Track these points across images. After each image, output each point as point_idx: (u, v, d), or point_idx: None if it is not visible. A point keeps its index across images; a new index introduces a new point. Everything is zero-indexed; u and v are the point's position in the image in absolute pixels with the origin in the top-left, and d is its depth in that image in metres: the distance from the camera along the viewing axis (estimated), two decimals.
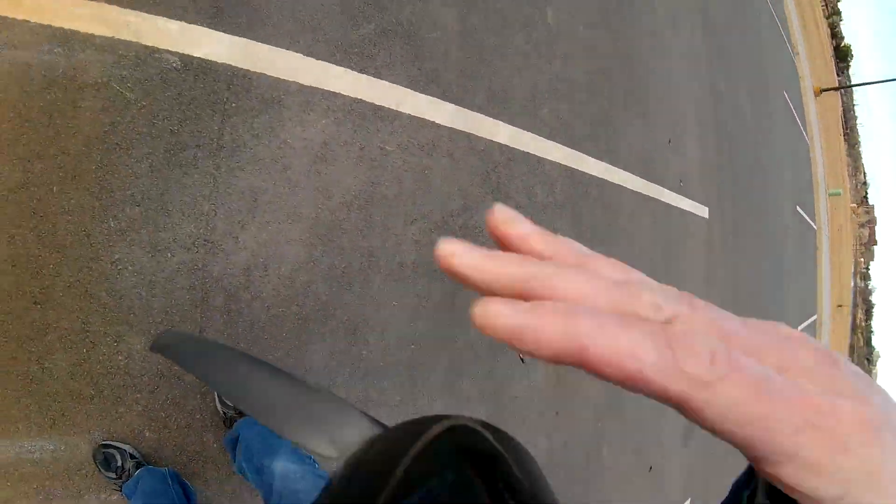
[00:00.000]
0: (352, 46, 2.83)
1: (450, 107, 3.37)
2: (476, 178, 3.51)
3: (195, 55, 2.28)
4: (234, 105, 2.35)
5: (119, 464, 1.98)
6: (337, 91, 2.70)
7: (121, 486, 1.99)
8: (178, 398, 2.16)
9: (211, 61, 2.32)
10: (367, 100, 2.84)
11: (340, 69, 2.75)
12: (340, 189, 2.69)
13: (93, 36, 2.05)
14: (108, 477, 2.00)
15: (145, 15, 2.18)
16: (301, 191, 2.53)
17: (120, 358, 2.07)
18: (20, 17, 1.93)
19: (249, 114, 2.38)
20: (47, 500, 1.92)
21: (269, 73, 2.47)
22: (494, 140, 3.73)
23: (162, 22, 2.22)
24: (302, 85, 2.57)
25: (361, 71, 2.84)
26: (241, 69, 2.40)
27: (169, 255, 2.16)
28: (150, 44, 2.20)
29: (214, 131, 2.28)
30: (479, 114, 3.62)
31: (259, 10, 2.46)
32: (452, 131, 3.37)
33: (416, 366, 3.03)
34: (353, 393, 2.70)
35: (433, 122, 3.24)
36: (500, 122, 3.79)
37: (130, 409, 2.06)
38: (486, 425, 0.45)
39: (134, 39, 2.17)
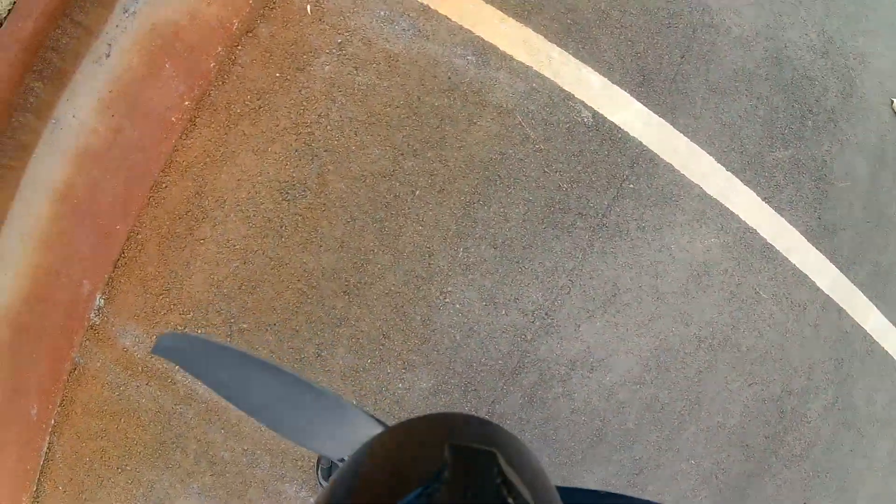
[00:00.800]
0: (763, 168, 2.34)
1: (834, 272, 2.66)
2: (830, 363, 2.69)
3: (610, 118, 2.02)
4: (631, 186, 2.02)
5: None
6: (735, 212, 2.22)
7: None
8: None
9: (624, 131, 2.03)
10: (762, 233, 2.30)
11: (745, 189, 2.27)
12: (700, 320, 2.16)
13: (512, 58, 1.90)
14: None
15: (570, 56, 1.97)
16: (663, 305, 2.07)
17: (399, 385, 1.82)
18: (442, 11, 1.84)
19: (644, 202, 2.03)
20: None
21: (676, 167, 2.10)
22: (862, 326, 2.87)
23: (585, 71, 2.00)
24: (705, 193, 2.14)
25: (765, 199, 2.33)
26: (651, 151, 2.07)
27: (503, 312, 1.87)
28: (567, 88, 1.98)
29: (602, 206, 1.97)
30: (857, 290, 2.82)
31: (685, 95, 2.13)
32: (827, 300, 2.63)
33: None
34: None
35: (813, 283, 2.55)
36: (874, 308, 2.92)
37: None
38: (481, 421, 0.46)
39: (552, 77, 1.97)
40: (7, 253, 2.11)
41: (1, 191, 2.13)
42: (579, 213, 1.94)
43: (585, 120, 1.97)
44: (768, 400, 2.42)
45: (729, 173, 2.20)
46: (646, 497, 2.13)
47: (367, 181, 1.78)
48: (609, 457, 2.07)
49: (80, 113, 2.10)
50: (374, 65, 1.83)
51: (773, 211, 2.36)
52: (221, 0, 1.93)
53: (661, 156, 2.04)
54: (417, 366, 1.79)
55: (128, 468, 2.07)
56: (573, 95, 1.95)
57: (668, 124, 2.06)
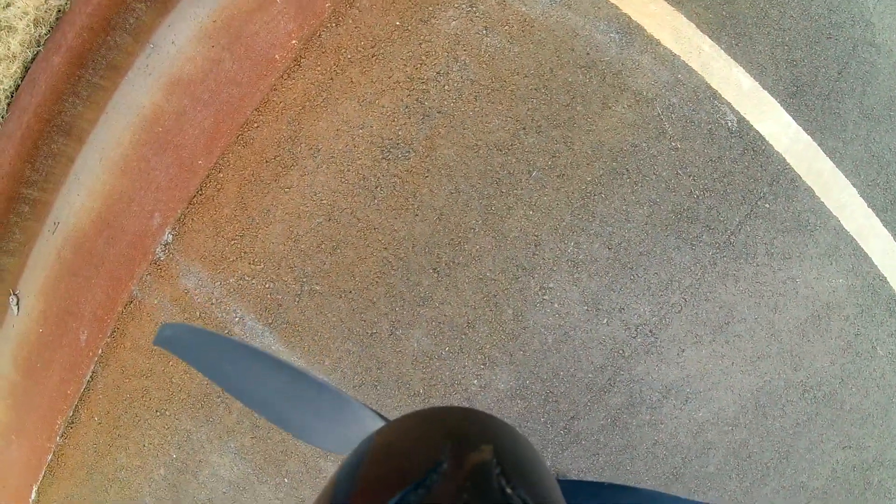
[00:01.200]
0: None
1: None
2: None
3: (756, 126, 1.77)
4: (766, 207, 1.78)
5: None
6: (870, 255, 1.95)
7: None
8: None
9: (768, 143, 1.79)
10: (892, 283, 2.03)
11: (884, 231, 2.00)
12: (811, 366, 1.91)
13: (658, 43, 1.67)
14: None
15: (721, 52, 1.73)
16: (776, 343, 1.82)
17: (474, 381, 1.63)
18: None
19: (777, 226, 1.78)
20: None
21: (817, 193, 1.85)
22: None
23: (736, 71, 1.76)
24: (841, 227, 1.89)
25: None
26: (793, 171, 1.82)
27: (605, 320, 1.66)
28: (714, 86, 1.74)
29: (733, 223, 1.73)
30: None
31: (837, 115, 1.87)
32: None
33: None
34: None
35: None
36: None
37: None
38: (480, 414, 0.45)
39: (700, 71, 1.74)
40: (84, 173, 1.99)
41: (88, 109, 2.01)
42: (707, 226, 1.71)
43: (730, 124, 1.74)
44: (858, 467, 2.15)
45: (870, 210, 1.93)
46: None
47: (481, 152, 1.59)
48: (679, 492, 1.85)
49: (179, 39, 1.96)
50: (507, 27, 1.64)
51: None
52: None
53: (804, 178, 1.80)
54: (499, 364, 1.60)
55: (167, 413, 1.94)
56: (720, 94, 1.72)
57: (815, 144, 1.81)
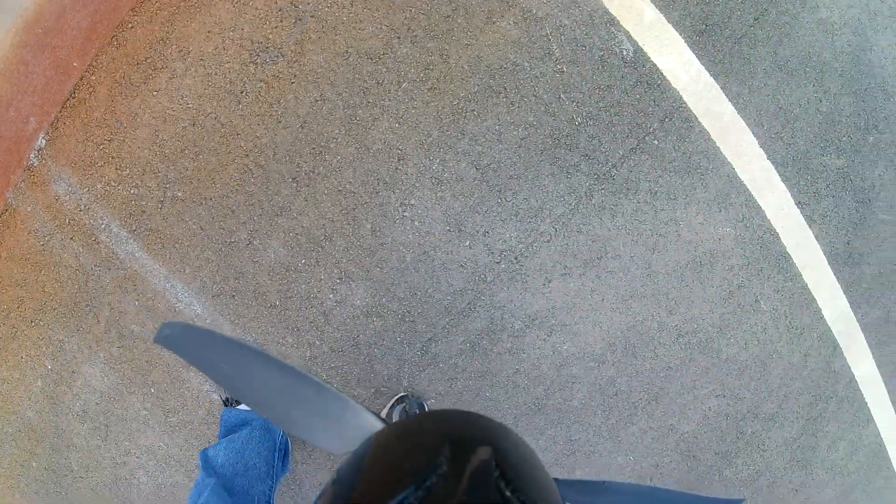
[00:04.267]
0: (807, 169, 1.93)
1: (843, 305, 2.25)
2: (807, 397, 2.32)
3: (653, 59, 1.61)
4: (655, 143, 1.62)
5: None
6: (763, 207, 1.82)
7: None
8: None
9: (665, 78, 1.63)
10: (783, 239, 1.90)
11: (781, 185, 1.86)
12: (688, 312, 1.79)
13: None
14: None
15: None
16: (651, 284, 1.69)
17: (330, 296, 1.49)
18: None
19: (665, 164, 1.64)
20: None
21: (713, 136, 1.70)
22: (852, 370, 2.48)
23: (640, 1, 1.60)
24: (736, 175, 1.74)
25: (798, 204, 1.92)
26: (689, 110, 1.67)
27: (467, 242, 1.51)
28: (613, 11, 1.58)
29: (616, 155, 1.58)
30: (860, 331, 2.42)
31: (746, 60, 1.71)
32: (826, 332, 2.24)
33: None
34: None
35: (818, 310, 2.15)
36: (870, 355, 2.53)
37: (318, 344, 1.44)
38: (479, 416, 0.45)
39: None
40: None
41: None
42: (586, 156, 1.55)
43: (625, 53, 1.57)
44: (731, 417, 2.06)
45: (769, 163, 1.79)
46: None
47: (350, 60, 1.41)
48: (543, 430, 1.74)
49: None
50: None
51: (804, 219, 1.95)
52: None
53: (700, 119, 1.64)
54: (355, 279, 1.46)
55: (41, 323, 1.78)
56: (618, 21, 1.55)
57: (717, 86, 1.65)
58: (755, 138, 1.78)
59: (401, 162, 1.43)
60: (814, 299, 2.11)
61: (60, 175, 1.68)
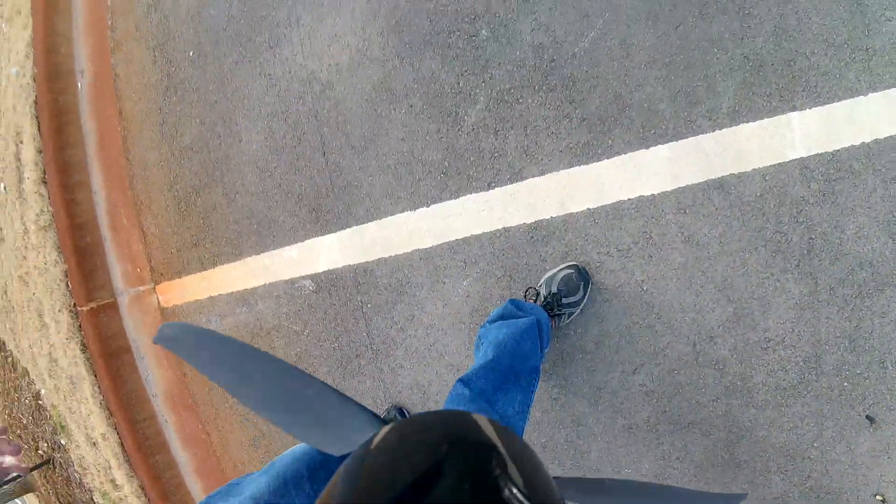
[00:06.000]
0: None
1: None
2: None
3: (319, 270, 1.98)
4: (369, 306, 1.92)
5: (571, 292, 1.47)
6: (464, 236, 1.73)
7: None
8: None
9: (332, 269, 1.98)
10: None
11: (459, 202, 1.71)
12: None
13: (255, 290, 2.16)
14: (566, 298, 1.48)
15: (274, 252, 2.06)
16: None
17: None
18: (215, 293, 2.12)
19: (385, 308, 1.91)
20: None
21: (384, 255, 1.83)
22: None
23: (286, 251, 1.99)
24: (423, 250, 1.78)
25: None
26: (360, 263, 1.90)
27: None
28: (287, 277, 2.03)
29: (364, 338, 1.97)
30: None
31: (351, 200, 1.74)
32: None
33: None
34: None
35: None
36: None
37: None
38: (479, 417, 0.44)
39: (274, 279, 2.03)
40: None
41: None
42: (356, 356, 2.02)
43: (310, 288, 2.07)
44: None
45: (418, 210, 1.75)
46: None
47: None
48: None
49: None
50: None
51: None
52: None
53: (368, 260, 1.93)
54: None
55: None
56: (293, 278, 2.04)
57: (354, 228, 1.91)
58: (405, 211, 1.69)
59: None
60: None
61: None
